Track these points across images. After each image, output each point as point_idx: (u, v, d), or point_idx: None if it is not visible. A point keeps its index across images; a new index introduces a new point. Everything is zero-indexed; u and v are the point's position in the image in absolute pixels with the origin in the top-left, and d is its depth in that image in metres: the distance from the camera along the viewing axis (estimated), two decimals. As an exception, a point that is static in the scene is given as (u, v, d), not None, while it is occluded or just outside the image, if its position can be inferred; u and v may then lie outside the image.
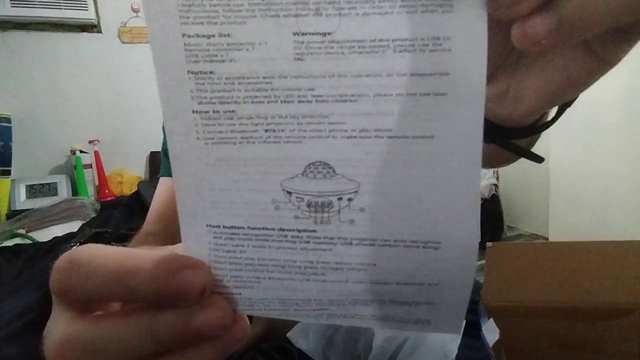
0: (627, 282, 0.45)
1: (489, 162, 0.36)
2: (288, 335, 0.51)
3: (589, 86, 0.20)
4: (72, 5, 2.08)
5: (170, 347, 0.17)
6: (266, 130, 0.16)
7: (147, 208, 0.63)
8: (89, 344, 0.17)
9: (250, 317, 0.19)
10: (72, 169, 2.16)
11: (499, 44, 0.21)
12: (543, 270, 0.50)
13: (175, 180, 0.17)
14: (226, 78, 0.16)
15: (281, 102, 0.16)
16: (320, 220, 0.17)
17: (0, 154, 1.95)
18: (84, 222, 1.69)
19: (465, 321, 0.18)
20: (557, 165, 2.08)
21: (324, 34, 0.15)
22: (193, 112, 0.16)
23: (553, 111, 0.26)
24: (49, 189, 2.07)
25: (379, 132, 0.16)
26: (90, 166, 2.16)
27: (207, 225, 0.18)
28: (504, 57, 0.22)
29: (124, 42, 2.26)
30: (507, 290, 0.47)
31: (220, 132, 0.17)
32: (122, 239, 0.64)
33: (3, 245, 1.41)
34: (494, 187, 2.36)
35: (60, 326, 0.17)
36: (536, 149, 0.31)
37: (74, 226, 1.63)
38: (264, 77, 0.16)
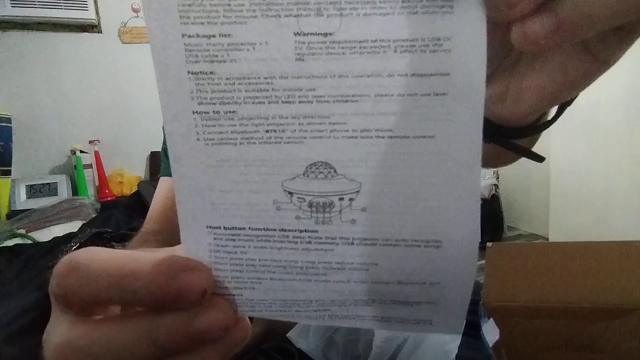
0: (627, 283, 0.45)
1: (490, 162, 0.36)
2: (288, 335, 0.51)
3: (587, 86, 0.20)
4: (72, 5, 2.08)
5: (171, 351, 0.17)
6: (267, 131, 0.16)
7: (148, 208, 0.63)
8: (88, 348, 0.16)
9: (251, 318, 0.19)
10: (72, 169, 2.16)
11: (498, 44, 0.21)
12: (543, 270, 0.50)
13: (175, 182, 0.17)
14: (227, 78, 0.16)
15: (282, 102, 0.16)
16: (321, 220, 0.17)
17: (0, 154, 1.95)
18: (84, 222, 1.70)
19: (465, 321, 0.18)
20: (558, 165, 2.08)
21: (325, 34, 0.15)
22: (193, 112, 0.16)
23: (553, 110, 0.26)
24: (49, 189, 2.07)
25: (380, 132, 0.16)
26: (90, 166, 2.17)
27: (207, 227, 0.18)
28: (503, 58, 0.22)
29: (124, 42, 2.26)
30: (507, 290, 0.47)
31: (221, 132, 0.17)
32: (122, 239, 0.64)
33: (3, 245, 1.41)
34: (494, 187, 2.36)
35: (59, 330, 0.17)
36: (536, 149, 0.31)
37: (74, 226, 1.63)
38: (265, 78, 0.16)
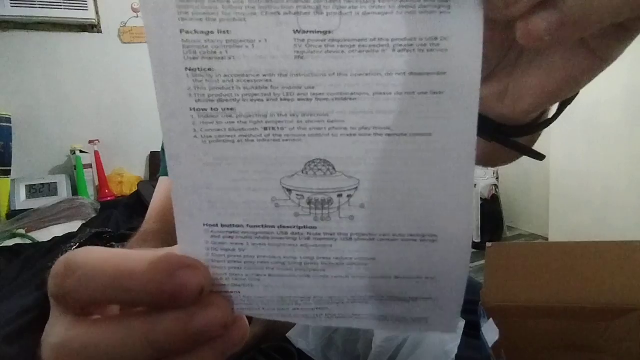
0: (627, 283, 0.45)
1: (490, 160, 0.36)
2: (288, 335, 0.51)
3: (587, 83, 0.20)
4: (72, 5, 2.07)
5: (169, 352, 0.16)
6: (265, 129, 0.16)
7: (147, 208, 0.63)
8: (85, 349, 0.16)
9: (250, 318, 0.19)
10: (72, 169, 2.16)
11: (498, 43, 0.21)
12: (543, 270, 0.50)
13: (172, 180, 0.17)
14: (225, 75, 0.16)
15: (281, 100, 0.16)
16: (320, 217, 0.17)
17: (0, 154, 1.95)
18: (84, 222, 1.69)
19: (465, 321, 0.19)
20: (557, 165, 2.08)
21: (325, 33, 0.15)
22: (191, 109, 0.16)
23: (554, 109, 0.26)
24: (49, 189, 2.07)
25: (378, 130, 0.16)
26: (90, 166, 2.16)
27: (204, 225, 0.18)
28: (503, 56, 0.22)
29: (124, 42, 2.26)
30: (507, 290, 0.47)
31: (219, 130, 0.16)
32: (122, 239, 0.64)
33: (3, 245, 1.41)
34: (494, 187, 2.37)
35: (57, 330, 0.17)
36: (536, 148, 0.31)
37: (74, 226, 1.63)
38: (264, 75, 0.16)
